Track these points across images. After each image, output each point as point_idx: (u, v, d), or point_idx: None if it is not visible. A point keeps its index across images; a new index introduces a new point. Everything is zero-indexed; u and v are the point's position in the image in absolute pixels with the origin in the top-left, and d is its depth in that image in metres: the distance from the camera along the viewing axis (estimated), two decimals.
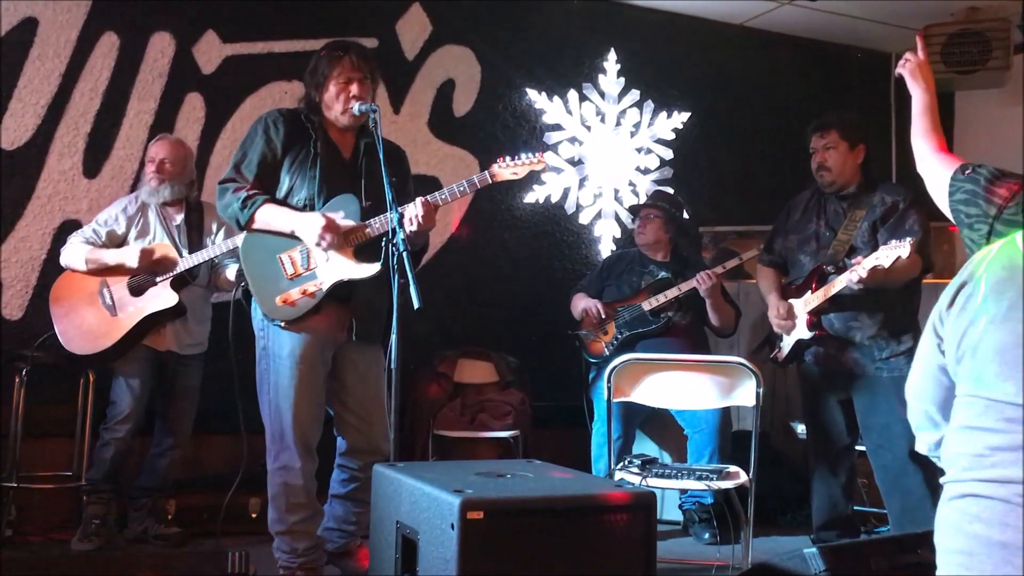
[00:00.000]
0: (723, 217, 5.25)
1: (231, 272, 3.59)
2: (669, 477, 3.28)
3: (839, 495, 3.59)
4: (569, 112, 5.09)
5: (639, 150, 5.24)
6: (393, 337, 2.64)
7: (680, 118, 5.31)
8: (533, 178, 4.90)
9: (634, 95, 5.22)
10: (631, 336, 4.10)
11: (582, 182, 5.10)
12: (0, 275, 3.95)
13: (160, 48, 4.27)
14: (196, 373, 3.74)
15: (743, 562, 3.28)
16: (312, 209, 2.92)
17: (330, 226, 2.82)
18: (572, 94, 5.10)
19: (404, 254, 2.63)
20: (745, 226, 5.08)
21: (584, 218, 5.10)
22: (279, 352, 2.91)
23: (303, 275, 2.90)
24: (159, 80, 4.26)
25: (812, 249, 3.60)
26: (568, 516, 2.04)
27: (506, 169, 2.92)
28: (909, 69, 2.22)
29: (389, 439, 2.75)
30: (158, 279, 3.51)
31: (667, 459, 4.15)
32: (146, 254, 3.48)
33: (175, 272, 3.50)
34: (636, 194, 5.19)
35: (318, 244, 2.83)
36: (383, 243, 2.78)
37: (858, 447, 3.64)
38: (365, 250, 2.90)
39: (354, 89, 2.94)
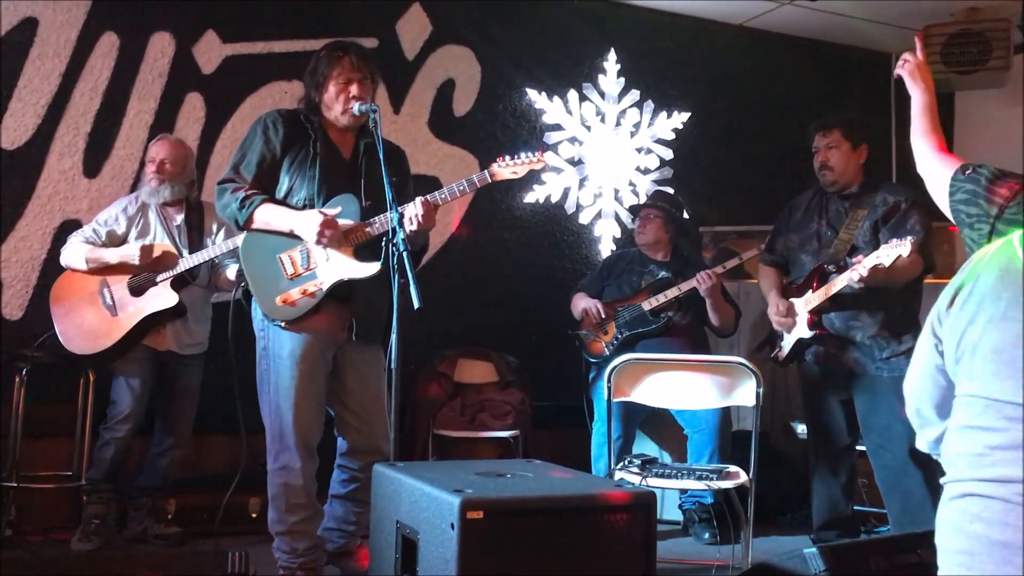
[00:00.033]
0: (723, 217, 5.25)
1: (231, 272, 3.59)
2: (669, 477, 3.29)
3: (839, 495, 3.59)
4: (569, 112, 5.09)
5: (639, 150, 5.24)
6: (393, 337, 2.64)
7: (680, 118, 5.31)
8: (533, 178, 4.90)
9: (634, 95, 5.22)
10: (631, 336, 4.10)
11: (582, 182, 5.10)
12: (0, 275, 3.95)
13: (160, 48, 4.27)
14: (196, 373, 3.74)
15: (743, 562, 3.28)
16: (312, 209, 2.92)
17: (329, 222, 2.82)
18: (572, 94, 5.10)
19: (404, 254, 2.63)
20: (745, 226, 5.08)
21: (584, 218, 5.10)
22: (279, 352, 2.91)
23: (303, 275, 2.90)
24: (159, 80, 4.26)
25: (813, 248, 3.60)
26: (568, 516, 2.04)
27: (506, 168, 2.92)
28: (908, 70, 2.23)
29: (389, 439, 2.75)
30: (158, 279, 3.51)
31: (667, 459, 4.15)
32: (147, 251, 3.48)
33: (175, 272, 3.50)
34: (636, 194, 5.19)
35: (318, 241, 2.83)
36: (383, 243, 2.78)
37: (858, 447, 3.64)
38: (365, 250, 2.90)
39: (354, 89, 2.94)
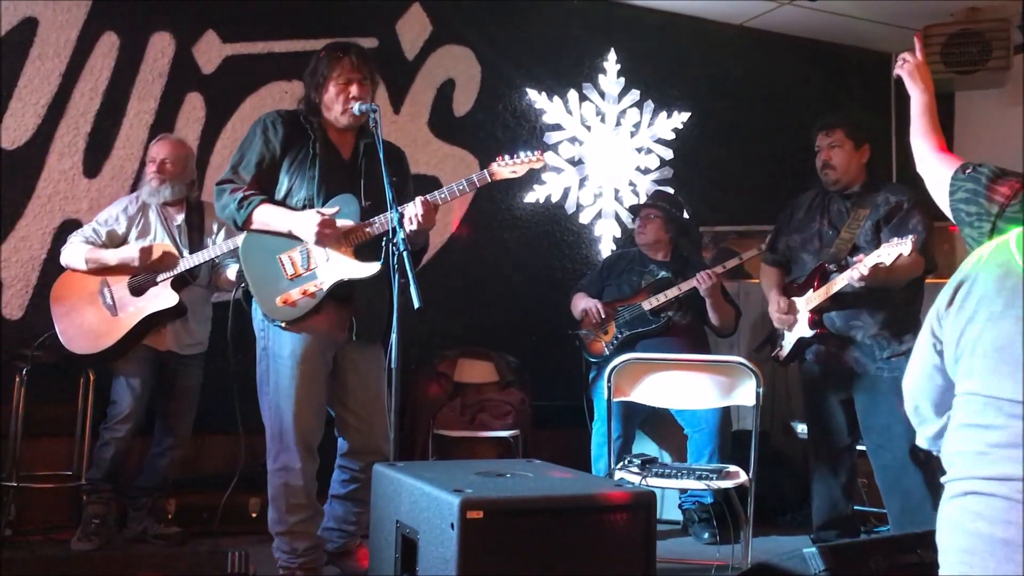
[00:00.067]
0: (723, 217, 5.25)
1: (232, 272, 3.59)
2: (669, 477, 3.29)
3: (839, 495, 3.59)
4: (569, 112, 5.09)
5: (639, 150, 5.24)
6: (393, 337, 2.64)
7: (680, 118, 5.31)
8: (533, 178, 4.91)
9: (634, 95, 5.22)
10: (631, 336, 4.10)
11: (582, 182, 5.10)
12: (0, 275, 3.95)
13: (160, 48, 4.27)
14: (196, 373, 3.74)
15: (743, 562, 3.28)
16: (311, 209, 2.92)
17: (327, 221, 2.82)
18: (572, 94, 5.10)
19: (404, 253, 2.63)
20: (745, 226, 5.08)
21: (584, 218, 5.10)
22: (280, 352, 2.91)
23: (303, 275, 2.90)
24: (159, 80, 4.26)
25: (815, 248, 3.60)
26: (568, 516, 2.04)
27: (505, 168, 2.92)
28: (908, 70, 2.23)
29: (389, 439, 2.75)
30: (159, 279, 3.51)
31: (667, 459, 4.15)
32: (146, 253, 3.47)
33: (176, 272, 3.50)
34: (636, 194, 5.19)
35: (317, 241, 2.83)
36: (383, 243, 2.78)
37: (859, 447, 3.64)
38: (365, 250, 2.90)
39: (354, 90, 2.94)
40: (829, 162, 3.59)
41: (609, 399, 3.34)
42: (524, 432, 4.29)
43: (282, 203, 2.95)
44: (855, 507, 3.74)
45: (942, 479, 1.56)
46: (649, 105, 5.25)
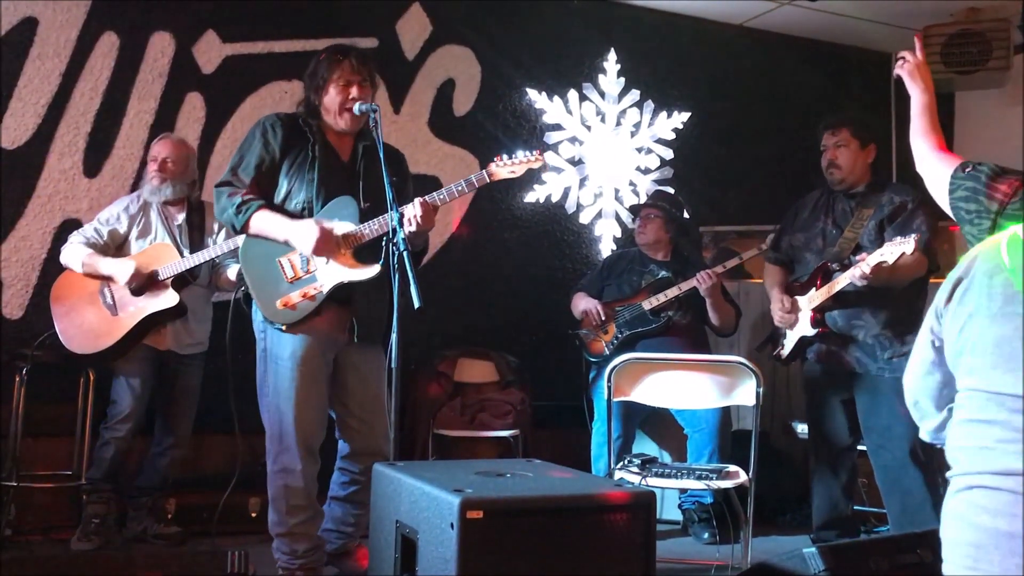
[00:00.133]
0: (723, 217, 5.25)
1: (232, 272, 3.59)
2: (669, 477, 3.29)
3: (839, 495, 3.59)
4: (569, 112, 5.09)
5: (639, 150, 5.24)
6: (393, 337, 2.64)
7: (680, 118, 5.31)
8: (533, 178, 4.91)
9: (634, 95, 5.22)
10: (631, 335, 4.10)
11: (582, 182, 5.10)
12: (0, 274, 3.95)
13: (160, 48, 4.27)
14: (196, 373, 3.74)
15: (742, 562, 3.28)
16: (311, 212, 2.92)
17: (325, 238, 2.82)
18: (572, 94, 5.10)
19: (404, 253, 2.63)
20: (745, 226, 5.08)
21: (584, 218, 5.10)
22: (280, 354, 2.91)
23: (303, 278, 2.90)
24: (159, 80, 4.26)
25: (818, 247, 3.60)
26: (568, 516, 2.04)
27: (504, 168, 2.92)
28: (908, 70, 2.24)
29: (389, 439, 2.75)
30: (159, 279, 3.51)
31: (667, 458, 4.15)
32: (136, 277, 3.48)
33: (176, 272, 3.50)
34: (636, 194, 5.19)
35: (313, 253, 2.84)
36: (383, 243, 2.78)
37: (859, 447, 3.64)
38: (365, 252, 2.90)
39: (354, 92, 2.94)
40: (834, 161, 3.59)
41: (609, 399, 3.34)
42: (524, 432, 4.29)
43: (281, 206, 2.95)
44: (855, 507, 3.74)
45: (947, 474, 1.58)
46: (649, 105, 5.25)
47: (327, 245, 2.83)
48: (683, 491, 4.03)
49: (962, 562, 1.48)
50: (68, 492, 3.81)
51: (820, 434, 3.64)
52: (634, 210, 4.51)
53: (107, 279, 3.55)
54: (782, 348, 3.65)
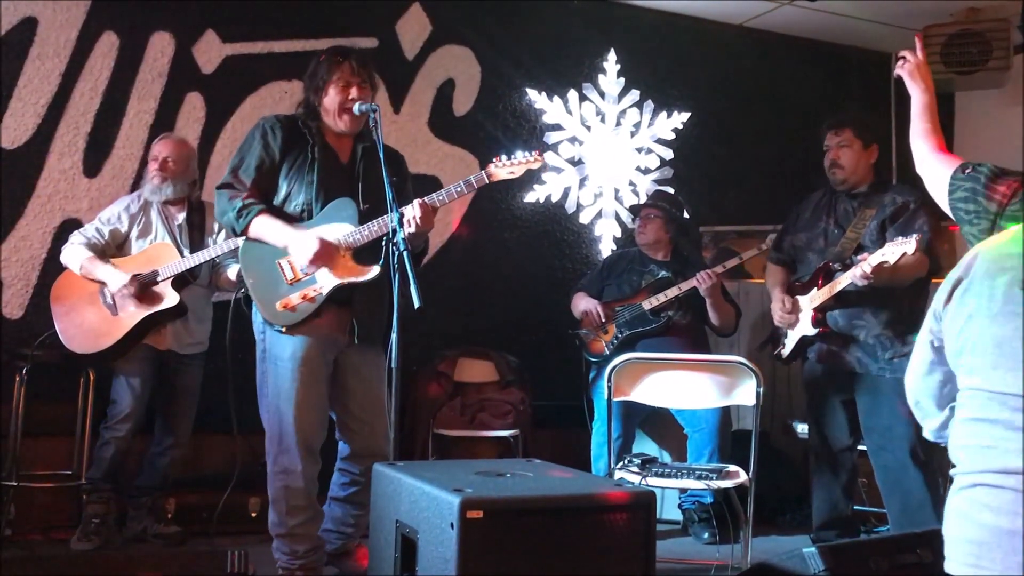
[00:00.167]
0: (723, 217, 5.25)
1: (232, 272, 3.59)
2: (669, 476, 3.29)
3: (839, 495, 3.59)
4: (569, 112, 5.09)
5: (639, 150, 5.24)
6: (393, 337, 2.64)
7: (680, 118, 5.31)
8: (533, 178, 4.91)
9: (634, 95, 5.22)
10: (631, 335, 4.10)
11: (582, 182, 5.10)
12: (0, 274, 3.95)
13: (160, 48, 4.27)
14: (197, 372, 3.74)
15: (742, 562, 3.28)
16: (310, 214, 2.93)
17: (323, 251, 2.82)
18: (572, 94, 5.10)
19: (404, 253, 2.63)
20: (745, 226, 5.08)
21: (584, 218, 5.10)
22: (280, 354, 2.91)
23: (303, 280, 2.90)
24: (159, 80, 4.26)
25: (820, 247, 3.60)
26: (568, 515, 2.04)
27: (503, 169, 2.92)
28: (908, 70, 2.24)
29: (390, 440, 2.75)
30: (159, 278, 3.51)
31: (667, 458, 4.15)
32: (127, 288, 3.48)
33: (176, 272, 3.51)
34: (636, 194, 5.19)
35: (309, 265, 2.84)
36: (383, 243, 2.78)
37: (859, 447, 3.64)
38: (364, 253, 2.90)
39: (353, 93, 2.94)
40: (837, 161, 3.59)
41: (609, 399, 3.34)
42: (524, 432, 4.29)
43: (280, 208, 2.95)
44: (855, 507, 3.74)
45: (951, 472, 1.59)
46: (649, 105, 5.25)
47: (325, 259, 2.83)
48: (683, 491, 4.04)
49: (965, 559, 1.49)
50: (68, 492, 3.81)
51: (820, 434, 3.64)
52: (634, 210, 4.51)
53: (102, 283, 3.55)
54: (783, 348, 3.65)
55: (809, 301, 3.52)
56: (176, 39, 4.29)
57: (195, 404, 3.74)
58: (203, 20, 4.35)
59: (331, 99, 2.95)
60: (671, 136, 5.30)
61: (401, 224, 2.72)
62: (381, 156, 2.78)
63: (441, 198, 2.89)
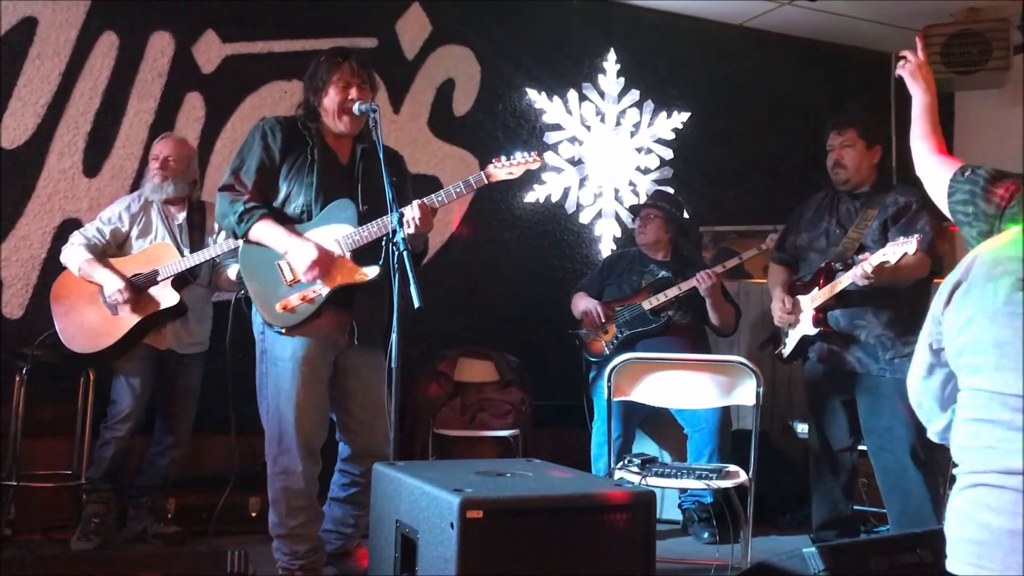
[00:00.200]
0: (723, 217, 5.25)
1: (232, 272, 3.59)
2: (669, 476, 3.28)
3: (839, 495, 3.59)
4: (569, 112, 5.09)
5: (639, 150, 5.24)
6: (393, 337, 2.64)
7: (680, 118, 5.31)
8: (533, 178, 4.91)
9: (634, 95, 5.22)
10: (631, 335, 4.10)
11: (582, 182, 5.10)
12: (0, 274, 3.95)
13: (160, 47, 4.27)
14: (197, 372, 3.74)
15: (742, 562, 3.28)
16: (309, 216, 2.93)
17: (321, 260, 2.82)
18: (572, 94, 5.10)
19: (404, 253, 2.63)
20: (745, 226, 5.08)
21: (584, 218, 5.10)
22: (280, 355, 2.91)
23: (302, 281, 2.90)
24: (159, 80, 4.26)
25: (822, 246, 3.60)
26: (568, 515, 2.04)
27: (501, 169, 2.92)
28: (909, 70, 2.24)
29: (390, 440, 2.75)
30: (159, 278, 3.51)
31: (667, 458, 4.15)
32: (121, 294, 3.47)
33: (176, 271, 3.51)
34: (636, 194, 5.19)
35: (305, 274, 2.84)
36: (383, 243, 2.78)
37: (859, 447, 3.64)
38: (364, 254, 2.90)
39: (353, 94, 2.94)
40: (840, 161, 3.59)
41: (609, 399, 3.34)
42: (524, 432, 4.29)
43: (280, 209, 2.95)
44: (855, 507, 3.74)
45: (953, 471, 1.59)
46: (649, 105, 5.25)
47: (323, 266, 2.84)
48: (683, 491, 4.04)
49: (966, 559, 1.50)
50: (68, 492, 3.81)
51: (820, 434, 3.64)
52: (634, 210, 4.51)
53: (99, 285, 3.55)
54: (784, 347, 3.65)
55: (810, 301, 3.52)
56: (176, 39, 4.29)
57: (195, 404, 3.75)
58: (203, 20, 4.35)
59: (331, 100, 2.95)
60: (671, 136, 5.30)
61: (401, 224, 2.72)
62: (381, 156, 2.78)
63: (440, 199, 2.89)
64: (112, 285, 3.48)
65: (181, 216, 3.71)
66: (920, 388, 1.76)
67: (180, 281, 3.53)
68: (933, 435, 1.79)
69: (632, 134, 5.23)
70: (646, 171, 5.25)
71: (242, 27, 4.41)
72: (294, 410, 2.88)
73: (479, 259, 4.86)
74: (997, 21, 5.03)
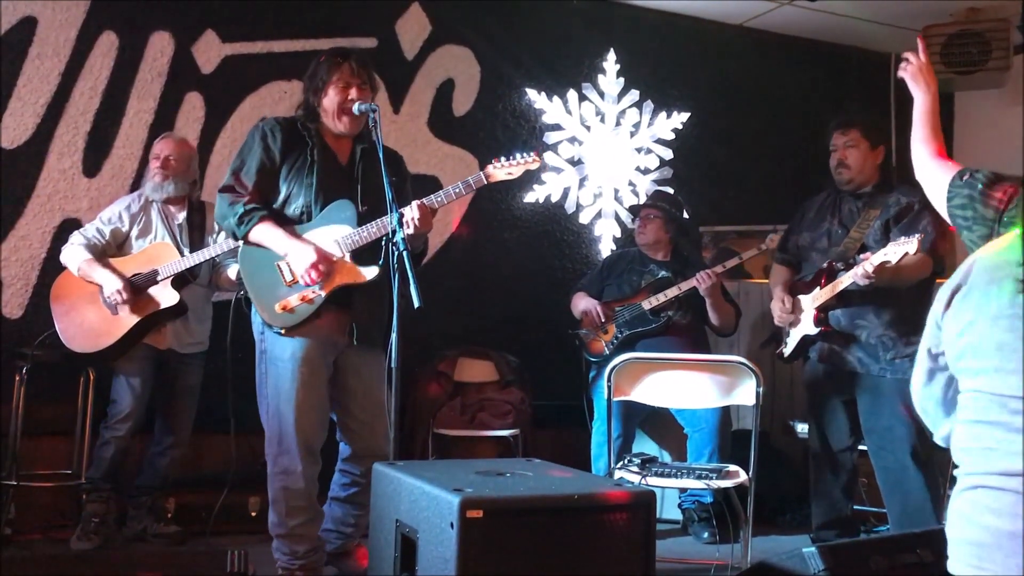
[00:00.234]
0: (723, 217, 5.25)
1: (232, 271, 3.59)
2: (669, 476, 3.28)
3: (839, 495, 3.59)
4: (569, 112, 5.09)
5: (639, 150, 5.24)
6: (393, 337, 2.64)
7: (680, 118, 5.31)
8: (533, 178, 4.91)
9: (634, 95, 5.22)
10: (631, 335, 4.10)
11: (582, 182, 5.10)
12: (0, 274, 3.95)
13: (159, 47, 4.27)
14: (196, 372, 3.74)
15: (742, 561, 3.28)
16: (309, 217, 2.93)
17: (320, 262, 2.82)
18: (572, 94, 5.09)
19: (404, 253, 2.63)
20: (745, 226, 5.08)
21: (584, 218, 5.10)
22: (280, 355, 2.91)
23: (301, 282, 2.90)
24: (159, 79, 4.26)
25: (824, 246, 3.60)
26: (568, 515, 2.04)
27: (501, 170, 2.92)
28: (911, 72, 2.24)
29: (390, 440, 2.75)
30: (159, 278, 3.51)
31: (667, 458, 4.15)
32: (117, 296, 3.47)
33: (176, 271, 3.51)
34: (636, 194, 5.19)
35: (303, 276, 2.84)
36: (383, 243, 2.78)
37: (859, 447, 3.64)
38: (364, 254, 2.90)
39: (352, 94, 2.94)
40: (844, 161, 3.59)
41: (609, 398, 3.34)
42: (524, 431, 4.29)
43: (280, 210, 2.95)
44: (855, 507, 3.74)
45: (954, 472, 1.60)
46: (649, 105, 5.25)
47: (320, 272, 2.83)
48: (683, 491, 4.04)
49: (967, 561, 1.51)
50: (68, 492, 3.81)
51: (821, 434, 3.64)
52: (634, 210, 4.51)
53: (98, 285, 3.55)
54: (784, 347, 3.66)
55: (811, 300, 3.52)
56: (176, 39, 4.29)
57: (195, 404, 3.75)
58: (203, 20, 4.35)
59: (331, 100, 2.95)
60: (671, 136, 5.30)
61: (400, 224, 2.72)
62: (380, 156, 2.78)
63: (440, 199, 2.89)
64: (111, 285, 3.48)
65: (181, 216, 3.71)
66: (924, 394, 1.76)
67: (180, 281, 3.53)
68: (939, 440, 1.80)
69: (632, 134, 5.23)
70: (646, 171, 5.25)
71: (242, 27, 4.41)
72: (294, 410, 2.88)
73: (479, 259, 4.86)
74: (997, 21, 5.03)
